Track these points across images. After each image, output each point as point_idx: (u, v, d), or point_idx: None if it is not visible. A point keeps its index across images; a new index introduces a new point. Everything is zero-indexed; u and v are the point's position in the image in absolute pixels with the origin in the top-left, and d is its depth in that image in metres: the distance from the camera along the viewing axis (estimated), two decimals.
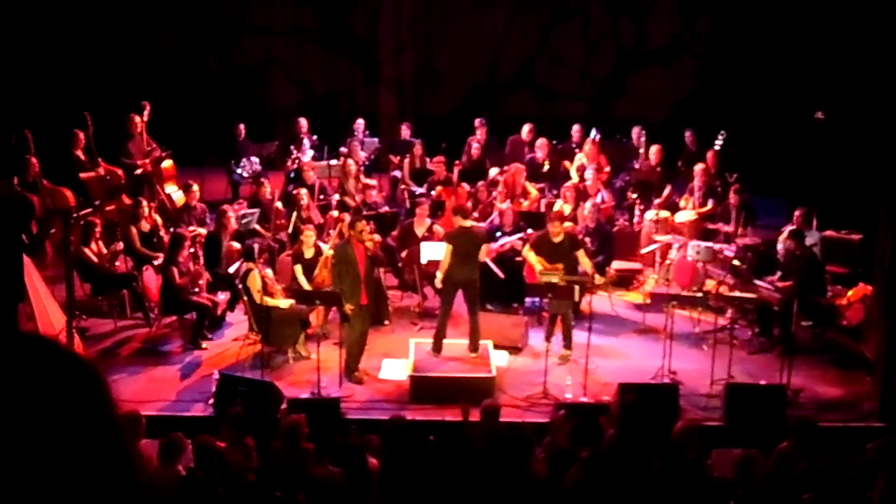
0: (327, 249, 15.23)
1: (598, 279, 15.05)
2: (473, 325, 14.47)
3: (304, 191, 17.31)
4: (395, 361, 14.42)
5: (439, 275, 14.56)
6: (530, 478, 9.68)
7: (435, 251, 15.31)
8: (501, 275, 15.76)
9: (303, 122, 20.77)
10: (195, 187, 17.58)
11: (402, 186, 19.64)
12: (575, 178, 18.69)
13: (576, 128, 20.32)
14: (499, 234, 16.62)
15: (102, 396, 1.76)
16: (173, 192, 18.67)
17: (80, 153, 18.17)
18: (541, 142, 19.73)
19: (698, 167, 18.19)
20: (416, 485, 9.96)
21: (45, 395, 1.69)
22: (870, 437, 12.43)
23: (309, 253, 15.27)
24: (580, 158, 19.22)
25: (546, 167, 19.53)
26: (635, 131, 20.24)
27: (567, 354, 14.67)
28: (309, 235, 15.36)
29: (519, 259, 16.38)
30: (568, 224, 16.62)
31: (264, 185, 17.97)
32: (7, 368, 1.71)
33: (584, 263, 14.65)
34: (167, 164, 18.93)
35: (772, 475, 10.02)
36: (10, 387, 1.68)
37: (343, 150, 20.05)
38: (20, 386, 1.68)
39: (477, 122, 20.51)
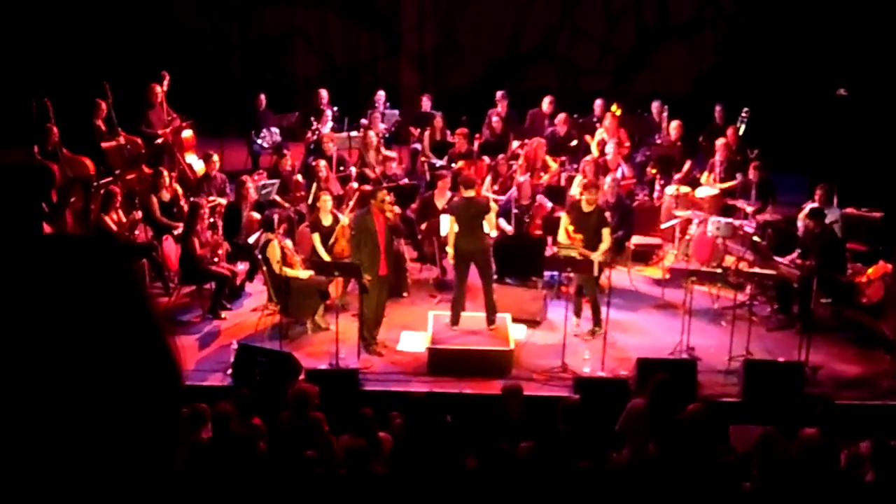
0: (344, 219, 15.25)
1: (596, 256, 14.87)
2: (488, 297, 14.47)
3: (322, 162, 17.28)
4: (414, 334, 14.45)
5: (449, 249, 14.57)
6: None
7: None
8: (510, 230, 15.74)
9: (323, 93, 20.72)
10: (215, 157, 17.61)
11: (423, 159, 19.60)
12: (595, 152, 18.63)
13: (598, 102, 20.23)
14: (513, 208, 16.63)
15: (136, 286, 1.69)
16: (193, 161, 18.68)
17: (100, 123, 18.17)
18: (560, 117, 19.66)
19: (719, 142, 18.12)
20: (434, 461, 10.00)
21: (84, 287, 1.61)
22: (888, 415, 12.48)
23: (327, 220, 15.25)
24: (601, 133, 19.16)
25: (574, 142, 19.46)
26: (655, 106, 20.13)
27: (597, 331, 14.58)
28: (326, 201, 15.34)
29: (538, 232, 16.39)
30: None
31: (286, 157, 17.97)
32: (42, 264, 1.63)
33: (603, 246, 14.47)
34: (187, 133, 18.93)
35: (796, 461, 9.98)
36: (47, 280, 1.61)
37: (363, 121, 20.01)
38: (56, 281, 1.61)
39: (498, 94, 20.43)
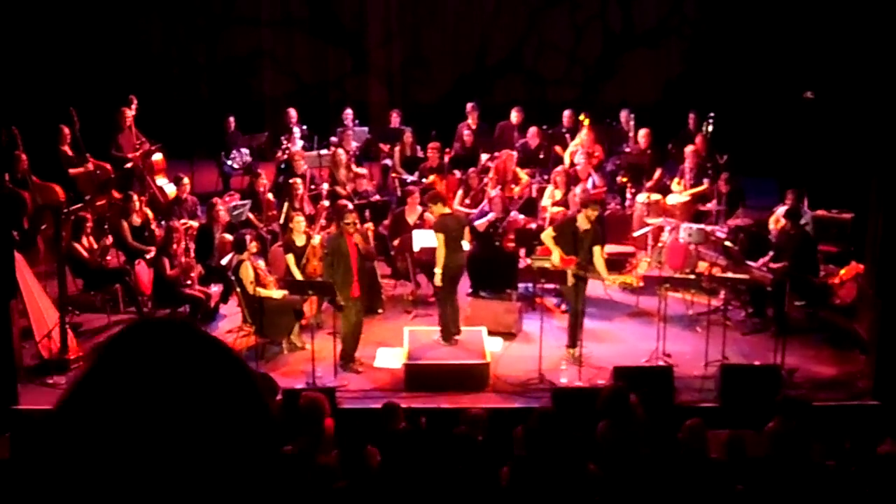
0: (315, 238, 15.27)
1: (612, 279, 14.89)
2: (454, 314, 14.52)
3: (298, 180, 17.27)
4: (390, 350, 14.44)
5: (438, 270, 14.41)
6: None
7: (427, 239, 15.27)
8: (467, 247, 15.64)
9: (292, 112, 20.70)
10: (186, 180, 17.57)
11: (393, 175, 19.60)
12: (567, 163, 18.66)
13: (567, 113, 20.27)
14: (485, 219, 16.58)
15: (246, 375, 1.84)
16: (164, 185, 18.63)
17: (66, 149, 18.14)
18: (532, 130, 19.68)
19: (689, 149, 18.18)
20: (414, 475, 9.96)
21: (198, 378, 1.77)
22: (865, 416, 12.53)
23: (300, 240, 15.25)
24: (575, 144, 19.14)
25: (542, 155, 19.48)
26: (623, 115, 20.18)
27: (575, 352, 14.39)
28: (299, 222, 15.33)
29: (511, 245, 16.39)
30: (559, 209, 16.67)
31: (260, 176, 17.96)
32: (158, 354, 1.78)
33: (599, 264, 14.33)
34: (157, 157, 18.88)
35: (767, 457, 10.04)
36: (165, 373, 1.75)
37: (333, 139, 20.01)
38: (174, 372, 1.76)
39: (469, 106, 20.38)
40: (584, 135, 19.04)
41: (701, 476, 9.69)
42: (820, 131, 18.84)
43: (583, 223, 14.19)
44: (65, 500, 1.68)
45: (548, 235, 14.59)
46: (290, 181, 17.26)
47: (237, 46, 23.76)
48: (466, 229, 14.72)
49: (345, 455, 10.15)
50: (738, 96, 21.29)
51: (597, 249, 14.25)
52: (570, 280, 14.14)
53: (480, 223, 16.29)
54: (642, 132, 19.11)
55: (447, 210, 14.64)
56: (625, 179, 18.51)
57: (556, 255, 14.27)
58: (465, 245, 15.00)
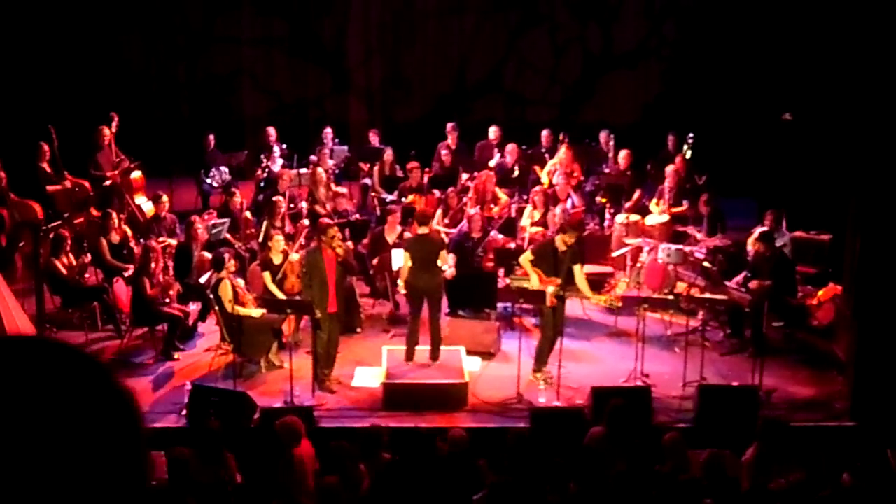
0: (293, 255, 15.27)
1: (597, 299, 14.82)
2: (434, 332, 14.46)
3: (280, 199, 17.25)
4: (368, 369, 14.41)
5: (400, 282, 14.62)
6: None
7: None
8: (451, 272, 15.58)
9: (271, 131, 20.69)
10: (164, 198, 17.51)
11: (373, 194, 19.60)
12: (546, 183, 18.69)
13: (545, 133, 20.33)
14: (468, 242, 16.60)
15: (121, 398, 1.80)
16: (143, 203, 18.57)
17: (45, 166, 18.08)
18: (510, 147, 19.71)
19: (669, 169, 18.24)
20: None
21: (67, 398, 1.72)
22: (842, 437, 12.56)
23: (277, 259, 15.24)
24: (554, 163, 19.18)
25: (516, 172, 19.51)
26: (603, 135, 20.24)
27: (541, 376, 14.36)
28: (278, 241, 15.32)
29: (490, 265, 16.40)
30: (538, 229, 16.68)
31: (235, 195, 17.92)
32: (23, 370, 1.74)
33: (581, 283, 14.20)
34: (136, 175, 18.83)
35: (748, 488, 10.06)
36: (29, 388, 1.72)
37: (313, 158, 20.00)
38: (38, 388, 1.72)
39: (449, 126, 20.38)
40: (562, 153, 19.06)
41: (682, 492, 9.71)
42: (798, 152, 18.92)
43: (560, 245, 14.12)
44: None
45: (525, 259, 14.40)
46: (273, 199, 17.24)
47: (217, 65, 23.76)
48: (443, 252, 14.63)
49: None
50: (717, 117, 21.37)
51: (577, 268, 14.18)
52: (550, 301, 14.06)
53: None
54: (623, 153, 19.17)
55: (425, 230, 14.61)
56: (604, 200, 18.56)
57: (535, 279, 14.18)
58: (447, 268, 15.00)
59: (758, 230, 16.12)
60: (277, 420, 11.23)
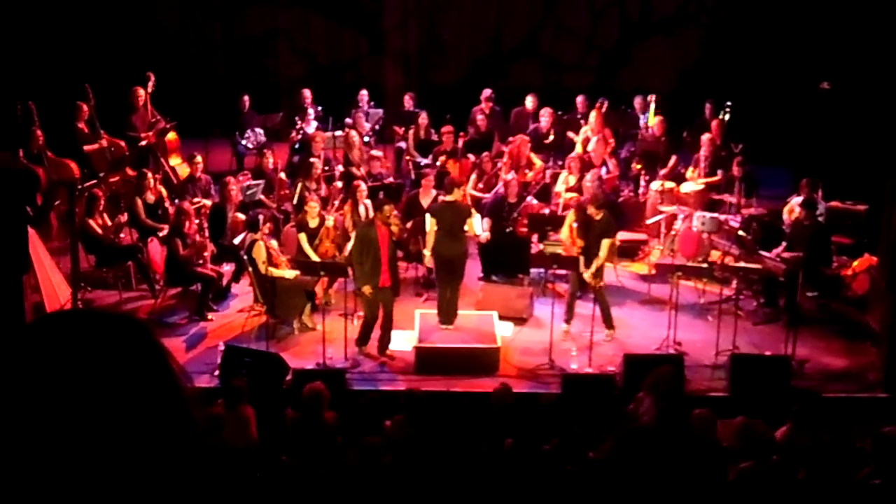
0: (329, 220, 15.27)
1: (588, 274, 14.74)
2: (453, 298, 14.54)
3: (317, 161, 17.25)
4: (401, 332, 14.41)
5: (426, 252, 14.68)
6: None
7: None
8: (486, 236, 15.74)
9: (306, 93, 20.68)
10: (199, 159, 17.54)
11: (407, 157, 19.56)
12: (580, 149, 18.62)
13: (580, 98, 20.24)
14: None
15: (157, 355, 1.82)
16: (178, 163, 18.60)
17: (82, 125, 18.12)
18: (545, 111, 19.63)
19: (705, 137, 18.12)
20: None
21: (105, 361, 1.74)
22: (875, 408, 12.51)
23: (313, 223, 15.25)
24: (585, 131, 19.10)
25: (551, 137, 19.44)
26: (638, 101, 20.16)
27: (610, 333, 14.54)
28: (313, 206, 15.33)
29: (524, 230, 16.37)
30: (572, 195, 16.63)
31: (267, 156, 17.91)
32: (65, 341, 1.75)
33: (603, 252, 14.21)
34: (171, 135, 18.84)
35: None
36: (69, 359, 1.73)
37: (348, 120, 19.98)
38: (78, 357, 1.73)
39: (484, 94, 20.34)
40: (592, 119, 18.95)
41: (711, 464, 9.70)
42: (835, 122, 18.79)
43: (594, 213, 14.26)
44: None
45: (569, 218, 14.86)
46: (309, 161, 17.25)
47: (253, 26, 23.73)
48: (470, 219, 14.65)
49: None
50: (754, 85, 21.23)
51: (604, 242, 14.20)
52: (593, 282, 14.21)
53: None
54: (657, 119, 19.06)
55: (453, 197, 14.62)
56: (639, 167, 18.46)
57: (566, 232, 14.36)
58: (482, 232, 15.08)
59: (793, 199, 16.04)
60: (305, 387, 11.27)
